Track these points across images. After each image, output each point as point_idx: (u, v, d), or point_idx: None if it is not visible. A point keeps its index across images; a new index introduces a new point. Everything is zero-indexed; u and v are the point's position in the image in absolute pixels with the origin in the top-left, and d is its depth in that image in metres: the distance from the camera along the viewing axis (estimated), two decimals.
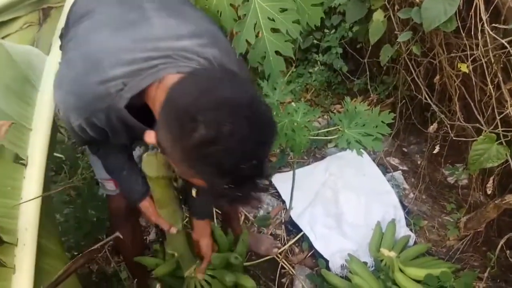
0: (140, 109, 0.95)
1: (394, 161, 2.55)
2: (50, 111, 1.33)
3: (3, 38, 1.63)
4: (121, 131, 1.00)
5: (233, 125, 0.73)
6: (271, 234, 2.17)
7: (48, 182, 1.39)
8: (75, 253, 1.84)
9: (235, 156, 0.75)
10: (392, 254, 1.83)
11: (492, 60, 1.55)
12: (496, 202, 1.76)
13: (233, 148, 0.74)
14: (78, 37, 1.00)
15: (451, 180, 2.40)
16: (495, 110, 1.62)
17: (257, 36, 1.04)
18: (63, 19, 1.46)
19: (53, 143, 1.45)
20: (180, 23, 0.99)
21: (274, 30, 1.04)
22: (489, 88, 1.62)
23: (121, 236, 1.15)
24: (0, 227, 1.04)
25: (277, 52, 1.04)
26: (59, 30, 1.45)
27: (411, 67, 2.07)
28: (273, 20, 1.04)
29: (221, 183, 0.77)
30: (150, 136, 0.86)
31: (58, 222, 1.81)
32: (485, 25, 1.50)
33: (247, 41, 1.03)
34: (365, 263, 1.90)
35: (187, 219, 1.53)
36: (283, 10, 1.05)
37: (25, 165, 1.19)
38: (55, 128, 1.50)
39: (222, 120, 0.73)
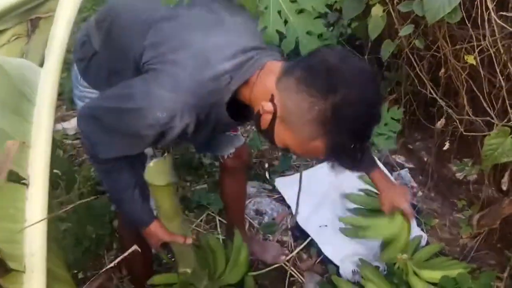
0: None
1: (400, 159, 2.48)
2: (49, 127, 1.25)
3: None
4: (208, 130, 1.05)
5: (371, 92, 0.87)
6: (277, 241, 2.10)
7: (51, 201, 1.32)
8: (75, 271, 1.78)
9: (368, 119, 0.88)
10: (405, 256, 1.76)
11: (501, 50, 1.49)
12: None
13: (365, 110, 0.86)
14: (173, 39, 1.01)
15: (459, 176, 2.33)
16: (506, 102, 1.55)
17: (285, 23, 1.02)
18: (57, 32, 1.40)
19: (53, 160, 1.38)
20: (244, 21, 1.06)
21: (300, 11, 1.01)
22: (499, 79, 1.55)
23: (139, 250, 1.09)
24: (6, 254, 0.97)
25: (308, 33, 1.02)
26: (52, 42, 1.39)
27: (413, 61, 2.00)
28: (295, 1, 1.00)
29: (347, 143, 0.87)
30: (267, 106, 0.93)
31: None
32: (492, 13, 1.44)
33: (277, 31, 1.01)
34: (377, 267, 1.83)
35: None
36: None
37: (26, 185, 1.12)
38: (54, 143, 1.43)
39: (365, 85, 0.86)
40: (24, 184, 1.10)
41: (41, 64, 1.41)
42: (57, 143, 1.87)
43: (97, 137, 1.08)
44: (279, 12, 1.00)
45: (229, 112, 1.03)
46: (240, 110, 1.05)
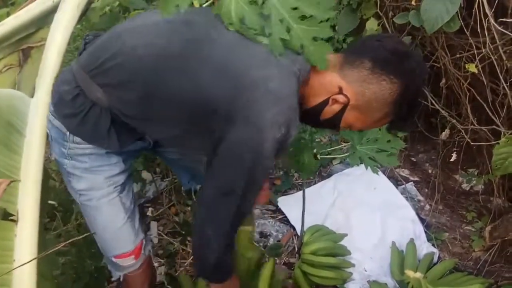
0: None
1: (404, 172, 2.43)
2: (40, 159, 1.18)
3: None
4: None
5: (425, 67, 1.06)
6: (284, 264, 2.03)
7: (43, 237, 1.25)
8: None
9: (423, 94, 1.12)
10: (418, 275, 1.69)
11: (503, 57, 1.46)
12: None
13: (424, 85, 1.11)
14: (231, 61, 0.96)
15: (466, 187, 2.29)
16: None
17: (288, 30, 0.97)
18: (48, 60, 1.35)
19: (46, 192, 1.32)
20: None
21: (303, 18, 0.96)
22: (502, 86, 1.52)
23: None
24: None
25: (314, 39, 0.97)
26: (43, 71, 1.35)
27: None
28: (297, 8, 0.96)
29: (414, 114, 1.07)
30: (340, 97, 1.00)
31: (53, 275, 1.67)
32: (491, 20, 1.42)
33: (281, 39, 0.96)
34: (385, 284, 1.77)
35: None
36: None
37: (15, 221, 1.06)
38: (46, 175, 1.36)
39: (422, 64, 1.02)
40: (12, 220, 1.04)
41: (33, 94, 1.38)
42: (50, 174, 1.81)
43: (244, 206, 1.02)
44: (281, 21, 0.96)
45: None
46: None
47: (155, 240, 2.16)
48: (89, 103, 1.07)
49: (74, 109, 1.09)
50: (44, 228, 1.99)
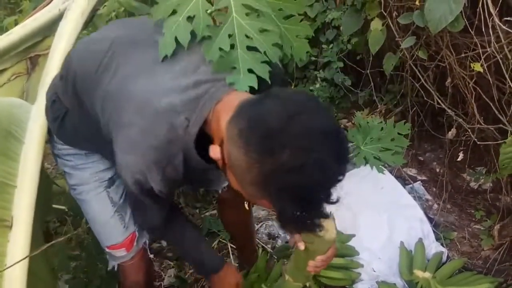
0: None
1: (411, 171, 2.42)
2: (37, 162, 1.23)
3: None
4: (196, 175, 1.00)
5: (320, 155, 0.72)
6: None
7: (39, 242, 1.26)
8: None
9: (316, 186, 0.74)
10: (427, 275, 1.69)
11: (509, 56, 1.46)
12: None
13: (316, 179, 0.73)
14: (116, 96, 0.94)
15: (474, 185, 2.28)
16: None
17: (232, 47, 0.94)
18: (51, 67, 1.38)
19: (46, 196, 1.34)
20: (197, 55, 0.96)
21: (251, 48, 0.94)
22: (508, 85, 1.52)
23: None
24: None
25: (250, 70, 0.93)
26: (45, 78, 1.37)
27: (418, 72, 1.98)
28: (251, 38, 0.95)
29: (293, 210, 0.76)
30: (214, 151, 0.84)
31: (65, 280, 1.70)
32: (496, 19, 1.42)
33: (220, 49, 0.93)
34: (394, 284, 1.76)
35: None
36: (264, 31, 0.96)
37: (9, 227, 1.08)
38: (47, 180, 1.38)
39: (311, 148, 0.72)
40: (7, 226, 1.06)
41: None
42: (53, 181, 1.84)
43: (142, 219, 1.18)
44: (229, 35, 0.94)
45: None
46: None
47: (164, 243, 2.18)
48: (63, 109, 1.14)
49: (53, 114, 1.16)
50: (54, 232, 2.03)
